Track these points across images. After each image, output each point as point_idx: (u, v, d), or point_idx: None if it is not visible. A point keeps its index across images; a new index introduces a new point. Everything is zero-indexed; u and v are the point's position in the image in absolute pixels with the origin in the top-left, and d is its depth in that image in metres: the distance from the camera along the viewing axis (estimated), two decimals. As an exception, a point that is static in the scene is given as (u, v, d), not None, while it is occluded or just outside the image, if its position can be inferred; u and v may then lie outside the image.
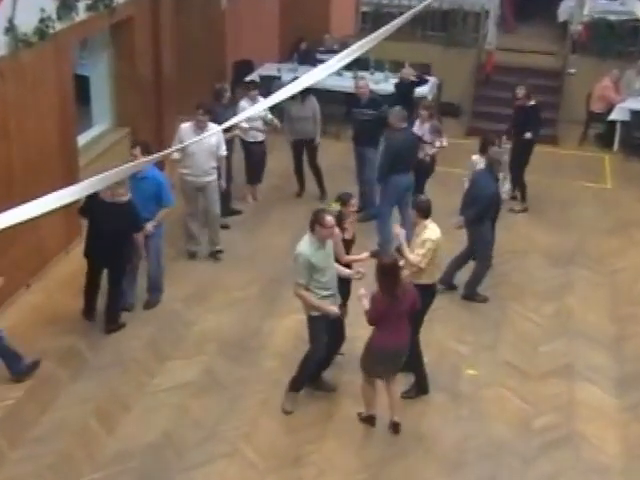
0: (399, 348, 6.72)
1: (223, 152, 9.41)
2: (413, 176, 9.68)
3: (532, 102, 10.99)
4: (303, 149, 11.26)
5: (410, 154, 9.69)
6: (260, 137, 10.88)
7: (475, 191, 8.85)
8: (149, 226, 8.23)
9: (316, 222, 6.76)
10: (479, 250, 9.00)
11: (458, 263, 9.13)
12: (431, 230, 7.36)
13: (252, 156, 10.88)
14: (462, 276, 9.17)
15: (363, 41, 4.80)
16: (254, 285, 9.29)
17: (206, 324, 8.50)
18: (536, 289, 9.42)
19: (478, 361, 8.09)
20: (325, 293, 6.92)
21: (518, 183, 11.16)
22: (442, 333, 8.42)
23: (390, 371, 6.87)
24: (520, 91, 10.95)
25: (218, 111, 9.64)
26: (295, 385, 7.24)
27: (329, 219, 6.77)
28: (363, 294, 6.73)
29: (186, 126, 9.18)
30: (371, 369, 6.87)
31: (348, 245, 7.53)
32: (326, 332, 7.04)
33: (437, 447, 6.94)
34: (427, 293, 7.28)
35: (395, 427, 6.98)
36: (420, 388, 7.53)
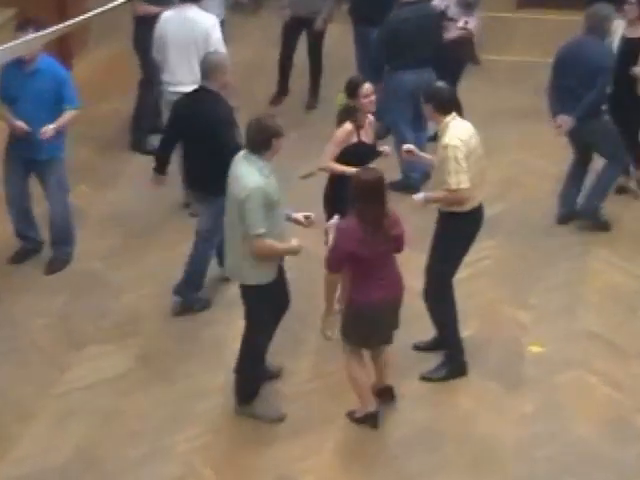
0: (392, 302, 6.87)
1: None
2: (432, 73, 9.60)
3: None
4: (299, 33, 11.29)
5: (421, 40, 9.67)
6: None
7: (586, 63, 8.76)
8: (50, 128, 8.30)
9: (272, 135, 6.82)
10: (607, 148, 9.25)
11: (575, 183, 9.39)
12: (455, 128, 7.22)
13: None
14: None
15: None
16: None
17: (141, 291, 8.53)
18: (632, 229, 9.46)
19: (547, 333, 8.12)
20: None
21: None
22: (493, 293, 8.46)
23: (384, 337, 7.03)
24: None
25: None
26: (245, 392, 7.21)
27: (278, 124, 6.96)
28: (333, 225, 6.97)
29: (168, 14, 9.30)
30: (357, 336, 6.96)
31: (370, 153, 7.68)
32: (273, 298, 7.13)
33: (493, 458, 6.93)
34: (469, 220, 7.33)
35: (389, 392, 7.28)
36: (455, 366, 7.56)
